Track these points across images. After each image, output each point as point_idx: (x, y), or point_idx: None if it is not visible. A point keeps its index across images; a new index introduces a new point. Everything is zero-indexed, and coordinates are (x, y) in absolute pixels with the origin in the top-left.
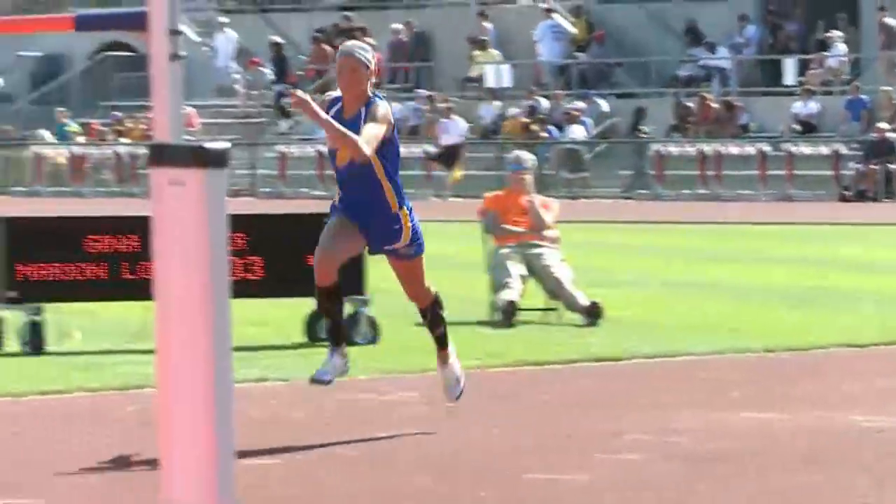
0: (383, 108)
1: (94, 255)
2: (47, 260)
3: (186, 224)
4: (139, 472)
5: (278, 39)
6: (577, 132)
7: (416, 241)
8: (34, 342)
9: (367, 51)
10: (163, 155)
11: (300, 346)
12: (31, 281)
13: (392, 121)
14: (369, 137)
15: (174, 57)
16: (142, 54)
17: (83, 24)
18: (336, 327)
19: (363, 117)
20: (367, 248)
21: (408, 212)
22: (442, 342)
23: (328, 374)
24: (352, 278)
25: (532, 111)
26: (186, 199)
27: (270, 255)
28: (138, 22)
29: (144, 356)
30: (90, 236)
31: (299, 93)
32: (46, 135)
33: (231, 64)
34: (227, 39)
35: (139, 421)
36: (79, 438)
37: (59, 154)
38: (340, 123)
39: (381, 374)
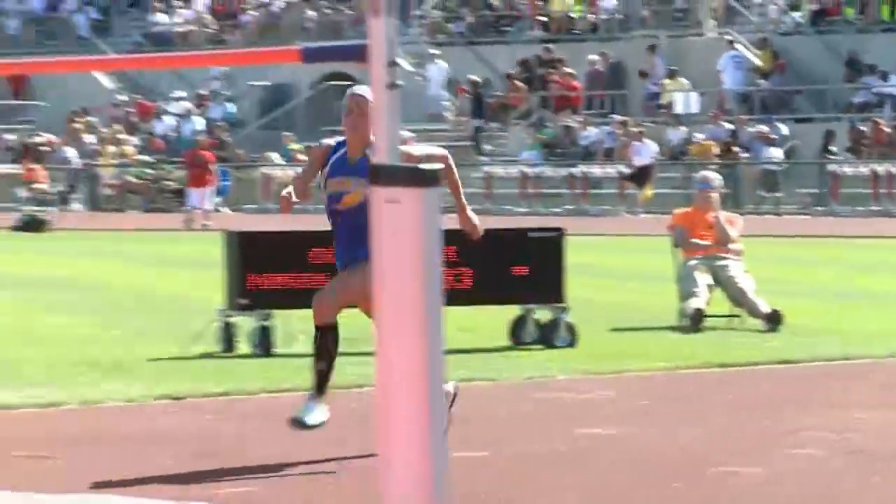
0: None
1: (317, 265)
2: (275, 270)
3: (402, 238)
4: (360, 465)
5: (475, 78)
6: (774, 154)
7: None
8: (264, 345)
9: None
10: (381, 175)
11: (505, 349)
12: (261, 289)
13: None
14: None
15: (392, 86)
16: (361, 83)
17: (309, 56)
18: (330, 371)
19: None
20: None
21: None
22: None
23: (312, 418)
24: (552, 288)
25: (734, 135)
26: (402, 216)
27: (478, 266)
28: (360, 54)
29: (364, 358)
30: (314, 249)
31: (479, 230)
32: (274, 157)
33: (441, 92)
34: (438, 70)
35: (360, 417)
36: (304, 434)
37: (285, 174)
38: (346, 166)
39: (579, 374)
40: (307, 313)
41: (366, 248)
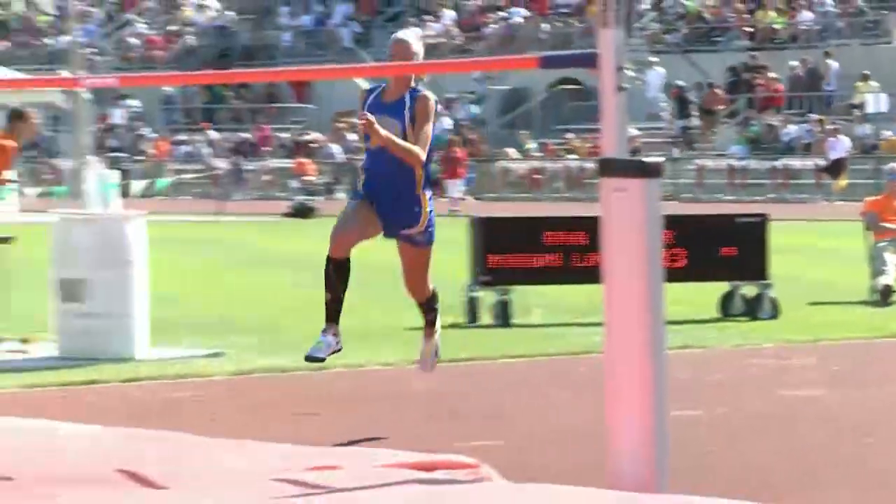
0: (431, 103)
1: (550, 246)
2: (513, 251)
3: (628, 223)
4: (588, 424)
5: (680, 83)
6: None
7: (429, 229)
8: (503, 317)
9: (418, 41)
10: (610, 167)
11: (716, 320)
12: (500, 268)
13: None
14: (425, 142)
15: (619, 89)
16: (589, 87)
17: (547, 63)
18: (335, 303)
19: (407, 105)
20: (382, 232)
21: (427, 198)
22: (431, 324)
23: (321, 351)
24: (757, 266)
25: None
26: (628, 203)
27: (691, 248)
28: (591, 61)
29: (591, 328)
30: (547, 232)
31: (369, 116)
32: (512, 152)
33: (659, 95)
34: (656, 75)
35: (589, 380)
36: (538, 395)
37: (520, 167)
38: (381, 106)
39: (782, 343)
40: (542, 289)
41: (385, 185)
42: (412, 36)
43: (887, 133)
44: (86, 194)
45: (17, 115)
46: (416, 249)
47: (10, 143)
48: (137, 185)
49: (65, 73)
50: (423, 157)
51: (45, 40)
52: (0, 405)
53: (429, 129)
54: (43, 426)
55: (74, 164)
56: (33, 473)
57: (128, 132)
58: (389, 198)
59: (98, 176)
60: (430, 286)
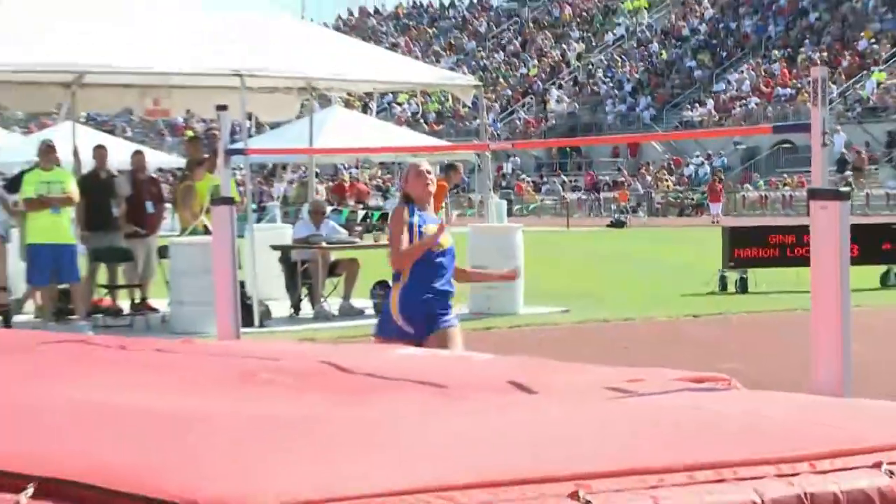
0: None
1: (772, 244)
2: (749, 247)
3: (828, 229)
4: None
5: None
6: None
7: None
8: (742, 288)
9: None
10: (817, 193)
11: (877, 289)
12: (741, 257)
13: None
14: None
15: (823, 145)
16: (799, 145)
17: (777, 129)
18: None
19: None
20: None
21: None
22: None
23: None
24: None
25: None
26: (827, 216)
27: (862, 243)
28: (805, 128)
29: (801, 294)
30: (770, 235)
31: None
32: (748, 186)
33: (842, 150)
34: (839, 137)
35: (799, 328)
36: (767, 338)
37: (753, 195)
38: (430, 218)
39: None
40: (767, 270)
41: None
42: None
43: None
44: (487, 215)
45: (450, 167)
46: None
47: (444, 184)
48: (516, 208)
49: (476, 141)
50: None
51: (466, 123)
52: None
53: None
54: (461, 354)
55: (481, 196)
56: (456, 383)
57: (512, 176)
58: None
59: (495, 204)
60: None
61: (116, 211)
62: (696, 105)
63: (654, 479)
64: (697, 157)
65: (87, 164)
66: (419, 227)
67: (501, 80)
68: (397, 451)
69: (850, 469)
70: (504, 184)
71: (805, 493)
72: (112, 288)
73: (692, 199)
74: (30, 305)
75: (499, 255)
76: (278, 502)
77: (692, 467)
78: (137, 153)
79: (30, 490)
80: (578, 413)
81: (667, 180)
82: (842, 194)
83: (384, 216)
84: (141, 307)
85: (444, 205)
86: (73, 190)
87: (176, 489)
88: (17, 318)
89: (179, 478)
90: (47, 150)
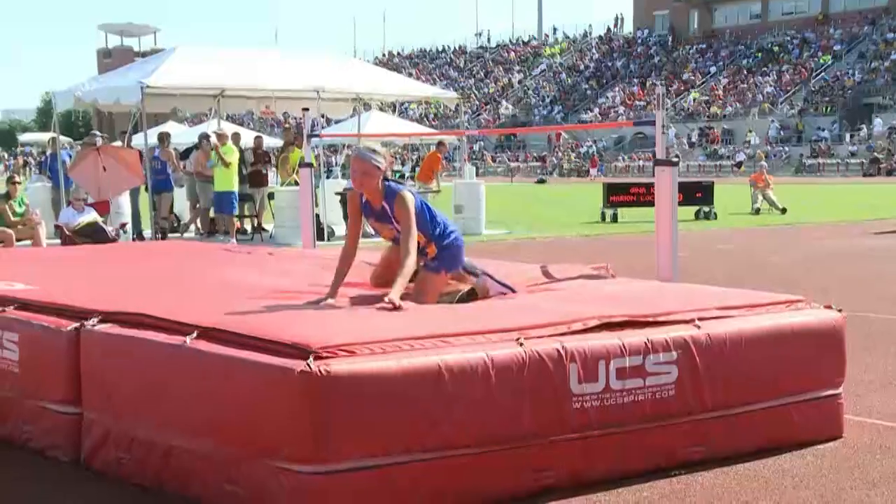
0: (406, 201)
1: (634, 193)
2: (619, 194)
3: (666, 185)
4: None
5: None
6: None
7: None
8: None
9: (376, 153)
10: (658, 162)
11: (691, 220)
12: (614, 201)
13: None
14: (410, 245)
15: None
16: None
17: None
18: None
19: (389, 209)
20: None
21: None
22: None
23: None
24: None
25: None
26: (666, 177)
27: (683, 192)
28: None
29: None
30: (632, 187)
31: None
32: None
33: None
34: None
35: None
36: None
37: None
38: (373, 213)
39: None
40: (631, 210)
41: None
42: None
43: None
44: (464, 175)
45: (440, 143)
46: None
47: (437, 154)
48: (481, 171)
49: (457, 130)
50: (415, 259)
51: (451, 120)
52: None
53: (412, 230)
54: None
55: (460, 164)
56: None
57: (479, 152)
58: None
59: (468, 168)
60: None
61: (245, 171)
62: (588, 111)
63: (563, 328)
64: (588, 141)
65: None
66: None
67: (472, 95)
68: (408, 316)
69: (675, 323)
70: (474, 157)
71: (648, 340)
72: (241, 217)
73: (585, 167)
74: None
75: (471, 198)
76: (335, 342)
77: (584, 319)
78: (258, 137)
79: (194, 334)
80: (518, 294)
81: (570, 155)
82: (673, 162)
83: (401, 175)
84: (257, 229)
85: (437, 171)
86: (232, 158)
87: (287, 336)
88: (185, 235)
89: (289, 329)
90: (220, 137)
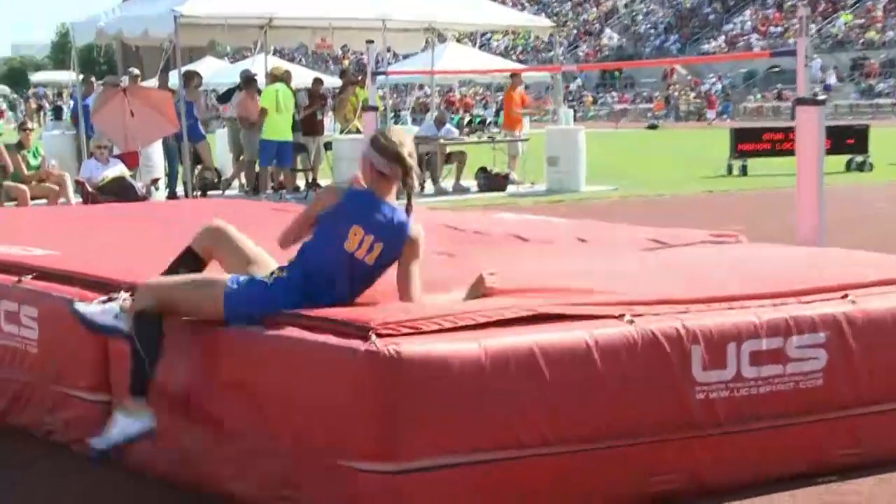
0: (328, 188)
1: (767, 140)
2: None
3: (810, 129)
4: None
5: None
6: None
7: (247, 284)
8: None
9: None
10: (801, 101)
11: (841, 172)
12: (744, 151)
13: (328, 202)
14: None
15: None
16: None
17: None
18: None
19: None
20: None
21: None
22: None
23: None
24: None
25: None
26: (810, 119)
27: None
28: None
29: None
30: (765, 133)
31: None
32: None
33: None
34: None
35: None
36: None
37: None
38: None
39: None
40: (763, 160)
41: None
42: None
43: None
44: (559, 120)
45: (514, 75)
46: None
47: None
48: (579, 115)
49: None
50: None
51: (542, 55)
52: (530, 210)
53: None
54: (535, 218)
55: (554, 107)
56: (536, 237)
57: (576, 92)
58: None
59: (564, 112)
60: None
61: (297, 116)
62: (711, 40)
63: (682, 308)
64: (711, 77)
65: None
66: None
67: (569, 22)
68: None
69: (824, 298)
70: (570, 98)
71: (790, 317)
72: (293, 171)
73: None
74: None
75: (567, 148)
76: (397, 318)
77: (711, 299)
78: (317, 79)
79: None
80: (626, 259)
81: (688, 94)
82: (819, 101)
83: (482, 121)
84: (312, 185)
85: (516, 112)
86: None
87: (337, 310)
88: (227, 192)
89: (349, 307)
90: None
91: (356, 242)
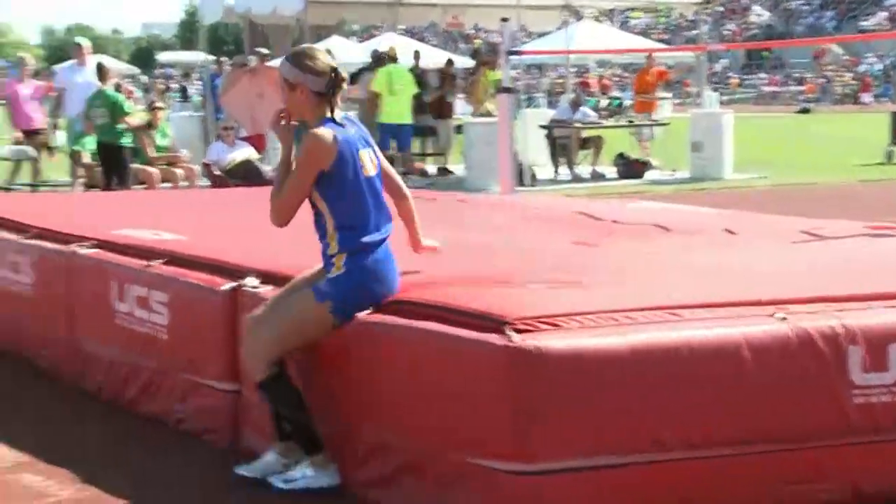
0: (310, 143)
1: None
2: None
3: None
4: None
5: None
6: None
7: (337, 290)
8: None
9: (300, 65)
10: None
11: None
12: None
13: (329, 157)
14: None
15: None
16: None
17: None
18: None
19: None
20: None
21: (348, 259)
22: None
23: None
24: None
25: None
26: None
27: None
28: None
29: None
30: None
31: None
32: None
33: None
34: None
35: None
36: None
37: None
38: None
39: None
40: None
41: None
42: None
43: None
44: (703, 103)
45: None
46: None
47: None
48: (724, 98)
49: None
50: (275, 221)
51: (684, 34)
52: (669, 199)
53: (305, 174)
54: (679, 207)
55: (698, 89)
56: (680, 227)
57: (721, 74)
58: None
59: (708, 94)
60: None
61: (427, 98)
62: (870, 16)
63: (838, 305)
64: (869, 57)
65: (406, 64)
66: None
67: None
68: (635, 279)
69: None
70: (715, 80)
71: None
72: (423, 156)
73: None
74: None
75: (712, 133)
76: (535, 312)
77: (870, 297)
78: (449, 61)
79: None
80: (778, 253)
81: (844, 76)
82: None
83: (620, 104)
84: (442, 171)
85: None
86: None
87: (473, 303)
88: None
89: (475, 295)
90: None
91: (367, 164)
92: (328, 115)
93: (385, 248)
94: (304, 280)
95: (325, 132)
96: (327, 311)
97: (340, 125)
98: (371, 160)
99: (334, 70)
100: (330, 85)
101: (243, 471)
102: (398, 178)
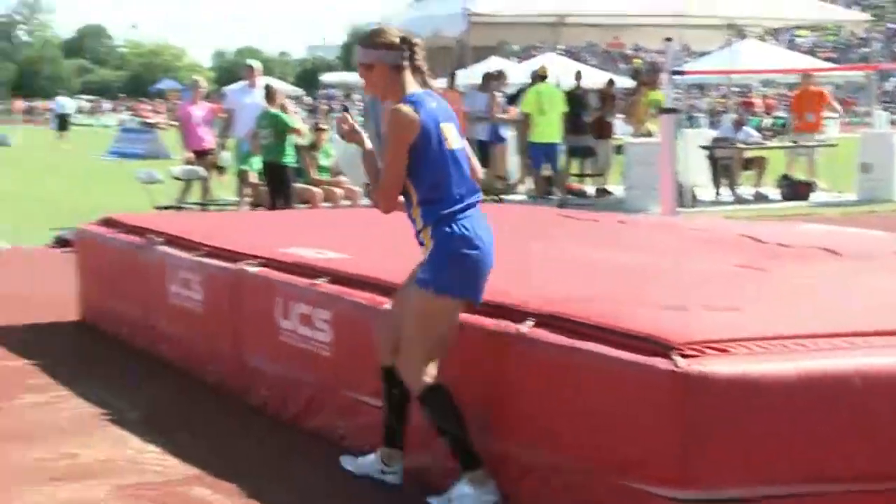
0: (394, 119)
1: None
2: None
3: None
4: None
5: None
6: None
7: (432, 270)
8: None
9: (372, 43)
10: None
11: None
12: None
13: (413, 130)
14: (387, 170)
15: None
16: None
17: None
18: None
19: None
20: None
21: (433, 231)
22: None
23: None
24: None
25: None
26: None
27: None
28: None
29: None
30: None
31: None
32: None
33: None
34: None
35: None
36: None
37: None
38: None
39: None
40: None
41: None
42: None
43: None
44: (873, 123)
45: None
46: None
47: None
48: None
49: None
50: (381, 207)
51: (854, 51)
52: (837, 222)
53: (396, 151)
54: (848, 230)
55: (868, 108)
56: (850, 251)
57: (892, 93)
58: None
59: (878, 114)
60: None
61: (587, 118)
62: None
63: None
64: None
65: (564, 84)
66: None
67: (887, 16)
68: (805, 305)
69: None
70: (887, 99)
71: None
72: (581, 176)
73: None
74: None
75: (883, 154)
76: (702, 337)
77: None
78: (610, 81)
79: (531, 322)
80: None
81: None
82: None
83: (784, 124)
84: (602, 191)
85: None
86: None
87: (637, 325)
88: (511, 198)
89: (639, 318)
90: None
91: (451, 137)
92: (410, 89)
93: (471, 216)
94: (409, 278)
95: (405, 107)
96: (434, 296)
97: (421, 100)
98: (454, 133)
99: (405, 40)
100: (405, 56)
101: (347, 465)
102: (474, 160)
